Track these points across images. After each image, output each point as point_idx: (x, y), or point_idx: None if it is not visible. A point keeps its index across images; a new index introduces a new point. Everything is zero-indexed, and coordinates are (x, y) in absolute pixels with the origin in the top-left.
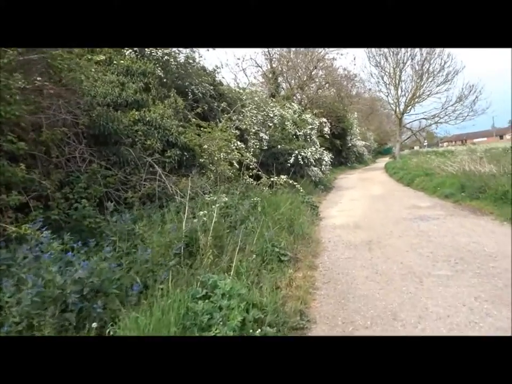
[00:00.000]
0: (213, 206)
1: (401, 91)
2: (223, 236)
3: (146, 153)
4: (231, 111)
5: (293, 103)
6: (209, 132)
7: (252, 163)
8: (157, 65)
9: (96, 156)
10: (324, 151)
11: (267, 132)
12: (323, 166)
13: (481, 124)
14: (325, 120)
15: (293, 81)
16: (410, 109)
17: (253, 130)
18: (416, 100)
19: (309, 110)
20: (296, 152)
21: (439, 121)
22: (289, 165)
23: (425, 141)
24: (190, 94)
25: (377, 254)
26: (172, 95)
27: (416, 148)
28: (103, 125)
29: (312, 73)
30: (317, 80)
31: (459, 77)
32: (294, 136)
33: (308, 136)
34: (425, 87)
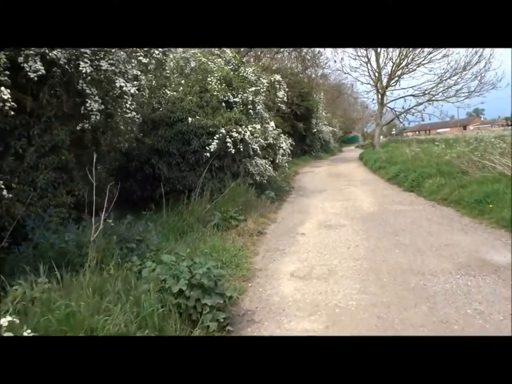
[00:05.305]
0: None
1: (385, 57)
2: None
3: None
4: None
5: (225, 49)
6: None
7: None
8: None
9: None
10: (281, 135)
11: (141, 80)
12: (279, 156)
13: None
14: (279, 78)
15: None
16: (396, 81)
17: None
18: (404, 69)
19: (252, 64)
20: (223, 131)
21: (433, 99)
22: (208, 155)
23: (394, 130)
24: None
25: None
26: None
27: (381, 137)
28: None
29: None
30: None
31: None
32: (223, 104)
33: (250, 106)
34: (416, 53)
